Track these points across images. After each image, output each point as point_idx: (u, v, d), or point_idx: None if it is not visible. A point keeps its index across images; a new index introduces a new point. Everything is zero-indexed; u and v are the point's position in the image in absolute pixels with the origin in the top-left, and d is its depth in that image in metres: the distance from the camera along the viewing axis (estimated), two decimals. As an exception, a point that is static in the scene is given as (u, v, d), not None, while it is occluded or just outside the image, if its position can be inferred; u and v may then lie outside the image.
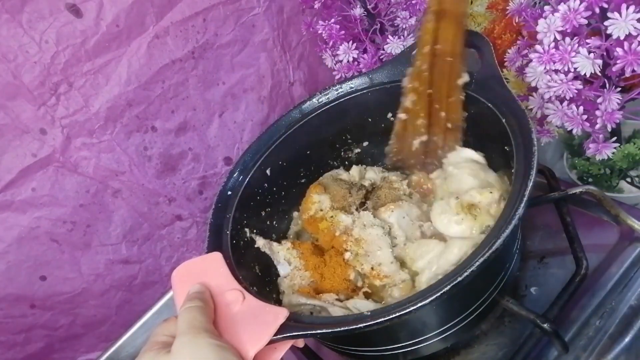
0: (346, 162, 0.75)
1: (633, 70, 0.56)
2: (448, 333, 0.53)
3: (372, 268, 0.58)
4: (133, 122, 0.74)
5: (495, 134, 0.56)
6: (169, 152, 0.79)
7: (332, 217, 0.64)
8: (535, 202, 0.65)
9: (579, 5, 0.56)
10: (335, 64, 0.81)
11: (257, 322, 0.46)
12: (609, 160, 0.68)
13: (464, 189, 0.60)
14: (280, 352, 0.47)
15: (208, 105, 0.81)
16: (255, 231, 0.64)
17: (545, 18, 0.59)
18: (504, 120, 0.54)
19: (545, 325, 0.50)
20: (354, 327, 0.44)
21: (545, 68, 0.60)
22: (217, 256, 0.54)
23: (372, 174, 0.71)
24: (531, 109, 0.67)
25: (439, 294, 0.43)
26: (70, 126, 0.69)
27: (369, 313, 0.46)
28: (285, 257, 0.62)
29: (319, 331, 0.45)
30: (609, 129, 0.63)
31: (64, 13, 0.64)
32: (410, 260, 0.59)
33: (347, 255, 0.60)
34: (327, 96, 0.70)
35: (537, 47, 0.60)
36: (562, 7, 0.57)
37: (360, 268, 0.59)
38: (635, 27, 0.54)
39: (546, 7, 0.61)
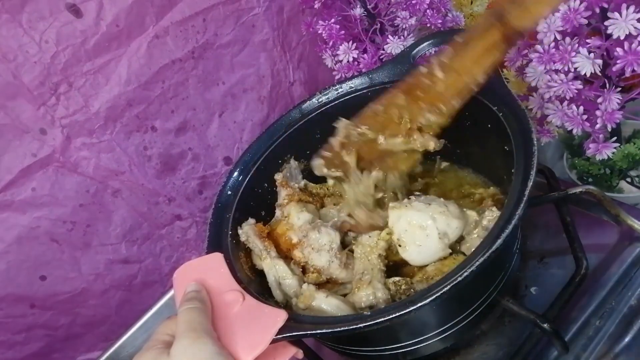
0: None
1: (633, 70, 0.56)
2: (448, 333, 0.53)
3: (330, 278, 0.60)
4: (133, 122, 0.74)
5: (495, 134, 0.56)
6: (168, 152, 0.79)
7: (286, 217, 0.62)
8: (535, 202, 0.65)
9: (579, 5, 0.56)
10: (335, 64, 0.81)
11: (255, 324, 0.46)
12: (609, 160, 0.68)
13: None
14: None
15: (208, 105, 0.81)
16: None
17: (545, 18, 0.59)
18: (504, 120, 0.54)
19: (545, 325, 0.50)
20: (354, 327, 0.44)
21: (545, 68, 0.60)
22: (218, 256, 0.54)
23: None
24: (531, 109, 0.67)
25: (439, 294, 0.43)
26: (70, 126, 0.69)
27: (369, 313, 0.46)
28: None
29: (319, 331, 0.45)
30: (609, 129, 0.63)
31: (64, 13, 0.64)
32: None
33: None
34: (327, 96, 0.70)
35: (537, 47, 0.60)
36: (562, 7, 0.57)
37: (318, 274, 0.60)
38: (635, 27, 0.54)
39: (546, 7, 0.61)
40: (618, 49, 0.56)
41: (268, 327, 0.45)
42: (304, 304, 0.55)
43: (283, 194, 0.66)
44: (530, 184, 0.46)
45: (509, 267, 0.56)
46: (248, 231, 0.61)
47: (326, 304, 0.54)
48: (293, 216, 0.62)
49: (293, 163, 0.70)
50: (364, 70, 0.78)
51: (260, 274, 0.61)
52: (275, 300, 0.58)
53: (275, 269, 0.58)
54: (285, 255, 0.61)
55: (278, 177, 0.67)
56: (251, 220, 0.63)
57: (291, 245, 0.61)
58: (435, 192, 0.68)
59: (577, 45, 0.58)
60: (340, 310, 0.54)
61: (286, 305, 0.58)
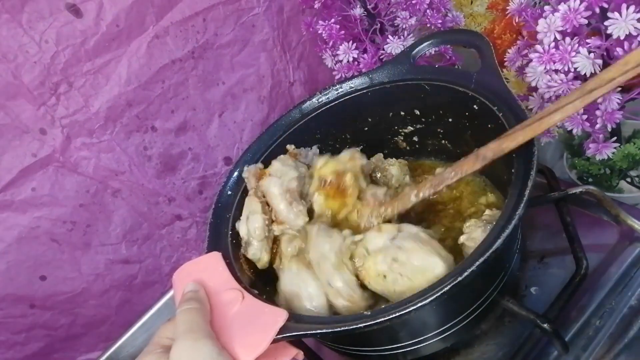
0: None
1: (633, 70, 0.56)
2: (448, 333, 0.53)
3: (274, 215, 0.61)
4: (133, 122, 0.74)
5: (495, 134, 0.56)
6: (168, 152, 0.79)
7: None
8: (535, 202, 0.65)
9: (579, 5, 0.56)
10: (335, 64, 0.81)
11: (255, 324, 0.46)
12: (609, 160, 0.68)
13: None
14: None
15: (208, 105, 0.81)
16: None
17: (545, 18, 0.59)
18: (504, 120, 0.54)
19: (545, 325, 0.50)
20: (354, 327, 0.44)
21: (545, 68, 0.60)
22: (216, 255, 0.54)
23: None
24: (531, 109, 0.67)
25: (439, 294, 0.43)
26: (70, 126, 0.69)
27: (369, 313, 0.46)
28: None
29: (319, 331, 0.45)
30: (609, 129, 0.63)
31: (64, 13, 0.64)
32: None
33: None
34: (327, 96, 0.70)
35: (537, 47, 0.60)
36: (562, 7, 0.57)
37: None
38: (635, 27, 0.54)
39: (546, 7, 0.61)
40: (618, 49, 0.56)
41: (268, 326, 0.45)
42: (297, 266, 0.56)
43: None
44: (530, 184, 0.46)
45: (509, 267, 0.56)
46: (250, 170, 0.63)
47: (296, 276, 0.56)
48: (277, 160, 0.63)
49: (315, 149, 0.69)
50: (364, 70, 0.78)
51: (260, 274, 0.61)
52: (244, 240, 0.59)
53: (251, 204, 0.60)
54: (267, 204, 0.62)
55: (291, 147, 0.67)
56: (260, 164, 0.64)
57: (263, 174, 0.63)
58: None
59: (577, 45, 0.58)
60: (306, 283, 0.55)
61: (246, 242, 0.59)
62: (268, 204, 0.62)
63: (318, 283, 0.54)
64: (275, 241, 0.61)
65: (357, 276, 0.54)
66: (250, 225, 0.59)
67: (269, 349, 0.44)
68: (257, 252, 0.59)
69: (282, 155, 0.65)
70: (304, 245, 0.58)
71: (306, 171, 0.65)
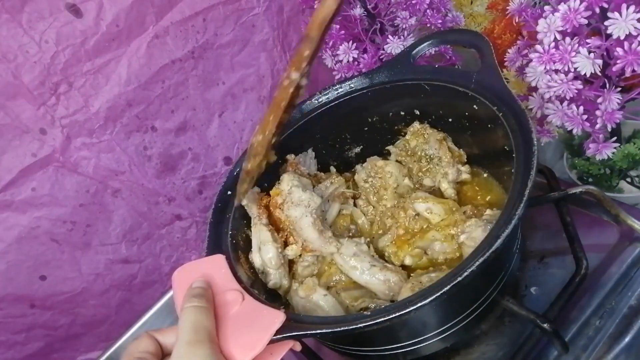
0: (346, 162, 0.75)
1: (633, 70, 0.56)
2: (448, 333, 0.53)
3: (302, 243, 0.61)
4: (133, 122, 0.74)
5: (495, 133, 0.56)
6: (168, 152, 0.80)
7: (279, 182, 0.64)
8: (535, 202, 0.65)
9: (579, 5, 0.56)
10: (335, 64, 0.81)
11: (253, 325, 0.46)
12: (609, 160, 0.68)
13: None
14: (277, 356, 0.47)
15: (208, 105, 0.81)
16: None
17: (545, 18, 0.59)
18: (504, 120, 0.54)
19: (545, 325, 0.50)
20: (354, 327, 0.44)
21: (545, 68, 0.60)
22: (220, 258, 0.54)
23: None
24: (531, 109, 0.67)
25: (439, 294, 0.43)
26: (70, 126, 0.69)
27: (369, 313, 0.46)
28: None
29: (318, 331, 0.45)
30: (609, 129, 0.63)
31: (64, 13, 0.64)
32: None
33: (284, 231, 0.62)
34: (327, 96, 0.70)
35: (537, 47, 0.60)
36: (562, 7, 0.57)
37: (296, 244, 0.61)
38: (635, 27, 0.54)
39: (546, 7, 0.61)
40: (618, 49, 0.56)
41: (266, 328, 0.45)
42: (305, 292, 0.56)
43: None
44: (530, 184, 0.46)
45: (509, 267, 0.56)
46: (249, 196, 0.62)
47: (323, 300, 0.55)
48: (284, 182, 0.63)
49: (310, 153, 0.70)
50: (364, 70, 0.78)
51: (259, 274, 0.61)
52: (258, 268, 0.59)
53: (259, 234, 0.60)
54: (276, 228, 0.62)
55: (291, 157, 0.67)
56: (256, 189, 0.64)
57: (275, 206, 0.62)
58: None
59: (577, 45, 0.58)
60: (335, 309, 0.55)
61: (262, 272, 0.59)
62: (277, 230, 0.62)
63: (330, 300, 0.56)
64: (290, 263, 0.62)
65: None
66: (264, 256, 0.59)
67: (266, 346, 0.45)
68: (278, 281, 0.59)
69: (286, 174, 0.64)
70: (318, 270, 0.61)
71: (325, 191, 0.66)
